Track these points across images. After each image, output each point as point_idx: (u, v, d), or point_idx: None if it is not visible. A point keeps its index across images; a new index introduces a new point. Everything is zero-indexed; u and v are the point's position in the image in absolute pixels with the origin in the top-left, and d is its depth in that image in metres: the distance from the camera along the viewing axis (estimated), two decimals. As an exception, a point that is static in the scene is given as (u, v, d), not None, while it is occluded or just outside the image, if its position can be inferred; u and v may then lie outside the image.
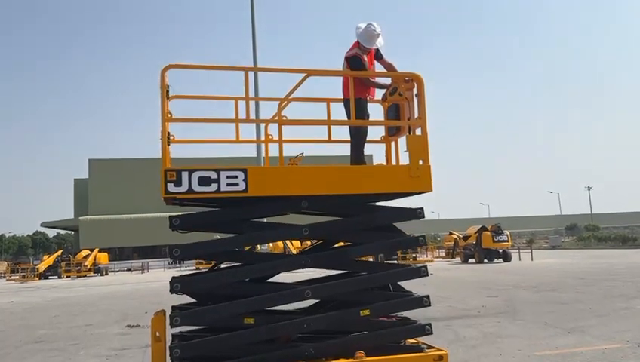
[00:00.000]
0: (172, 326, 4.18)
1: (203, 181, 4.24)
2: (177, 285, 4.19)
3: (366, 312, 4.47)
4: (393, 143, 5.34)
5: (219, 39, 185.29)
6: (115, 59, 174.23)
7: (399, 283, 4.81)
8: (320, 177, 4.57)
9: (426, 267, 4.75)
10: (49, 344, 9.81)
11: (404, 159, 5.04)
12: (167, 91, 4.48)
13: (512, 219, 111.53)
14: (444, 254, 41.88)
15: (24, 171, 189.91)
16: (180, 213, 4.40)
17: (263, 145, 5.75)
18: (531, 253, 36.46)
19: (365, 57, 5.37)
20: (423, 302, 4.63)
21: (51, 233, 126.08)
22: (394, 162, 5.28)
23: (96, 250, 44.26)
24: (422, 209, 4.73)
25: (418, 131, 4.82)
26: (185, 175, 4.21)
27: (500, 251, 32.75)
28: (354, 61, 5.39)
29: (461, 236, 37.11)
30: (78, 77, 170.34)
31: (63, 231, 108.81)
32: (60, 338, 10.35)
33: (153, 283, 25.28)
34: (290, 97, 4.90)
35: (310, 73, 4.74)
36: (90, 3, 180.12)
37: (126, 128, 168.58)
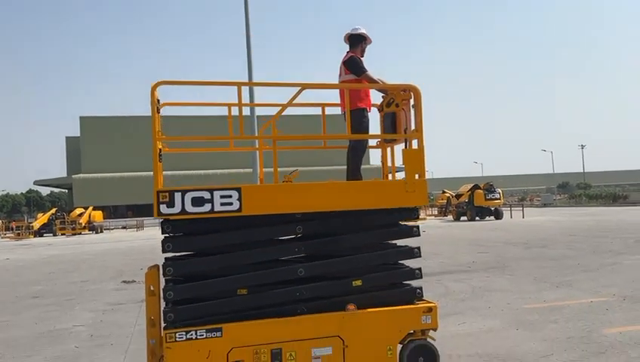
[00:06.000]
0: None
1: (196, 201, 4.19)
2: (170, 269, 4.21)
3: (358, 283, 4.53)
4: (389, 149, 5.37)
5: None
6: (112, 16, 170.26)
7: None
8: (315, 194, 4.53)
9: (419, 248, 4.77)
10: (45, 299, 9.94)
11: (398, 159, 5.09)
12: (158, 108, 4.40)
13: (506, 178, 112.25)
14: (436, 212, 42.31)
15: (16, 129, 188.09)
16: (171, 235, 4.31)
17: (257, 161, 5.70)
18: (523, 210, 36.86)
19: (363, 59, 5.44)
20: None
21: (45, 191, 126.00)
22: (389, 165, 5.36)
23: (91, 208, 44.36)
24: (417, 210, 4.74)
25: (414, 144, 4.80)
26: (178, 196, 4.16)
27: (492, 209, 33.12)
28: (352, 62, 5.37)
29: (454, 194, 37.40)
30: (70, 35, 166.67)
31: (56, 190, 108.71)
32: (56, 294, 10.49)
33: (148, 241, 25.45)
34: (285, 104, 4.80)
35: (305, 86, 4.64)
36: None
37: (118, 85, 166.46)
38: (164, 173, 4.52)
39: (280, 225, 4.46)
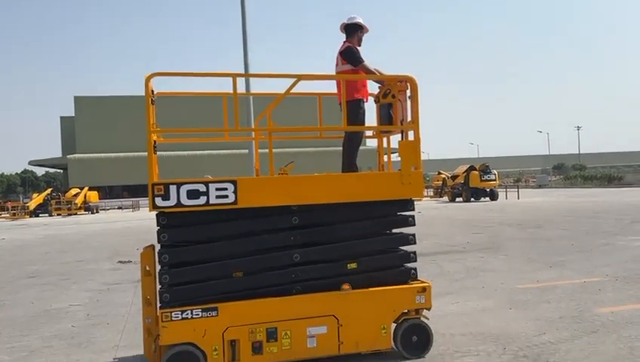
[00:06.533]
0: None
1: (192, 194, 4.18)
2: (165, 256, 4.21)
3: (353, 265, 4.56)
4: (385, 139, 5.37)
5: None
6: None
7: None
8: (311, 186, 4.53)
9: (414, 235, 4.78)
10: (41, 279, 9.97)
11: (395, 150, 5.09)
12: (152, 100, 4.34)
13: (501, 159, 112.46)
14: (432, 193, 42.41)
15: (10, 108, 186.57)
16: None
17: (253, 152, 5.63)
18: (518, 191, 36.97)
19: (360, 49, 5.38)
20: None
21: (40, 171, 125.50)
22: (384, 157, 5.36)
23: (86, 188, 44.26)
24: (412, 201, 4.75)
25: (411, 135, 4.78)
26: (173, 188, 4.15)
27: (487, 190, 33.21)
28: (348, 52, 5.31)
29: (450, 176, 37.45)
30: (64, 10, 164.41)
31: (51, 170, 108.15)
32: (53, 274, 10.51)
33: (144, 221, 25.44)
34: (281, 95, 4.75)
35: (301, 78, 4.61)
36: None
37: (113, 65, 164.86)
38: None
39: (276, 216, 4.46)
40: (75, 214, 40.39)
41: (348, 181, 4.71)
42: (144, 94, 4.23)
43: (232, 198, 4.25)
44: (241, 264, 4.37)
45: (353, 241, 4.61)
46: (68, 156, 67.80)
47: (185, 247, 4.32)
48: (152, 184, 4.14)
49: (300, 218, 4.48)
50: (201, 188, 4.21)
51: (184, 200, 4.17)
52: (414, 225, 4.74)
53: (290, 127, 4.92)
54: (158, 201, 4.14)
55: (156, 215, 4.25)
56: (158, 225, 4.25)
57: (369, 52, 5.49)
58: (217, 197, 4.22)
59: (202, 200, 4.20)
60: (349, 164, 5.34)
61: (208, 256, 4.33)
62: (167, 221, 4.24)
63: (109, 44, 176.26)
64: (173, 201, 4.16)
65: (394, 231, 4.85)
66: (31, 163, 78.33)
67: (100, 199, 48.40)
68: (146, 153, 4.31)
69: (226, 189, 4.25)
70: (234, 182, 4.28)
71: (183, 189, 4.17)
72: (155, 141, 4.41)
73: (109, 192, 64.44)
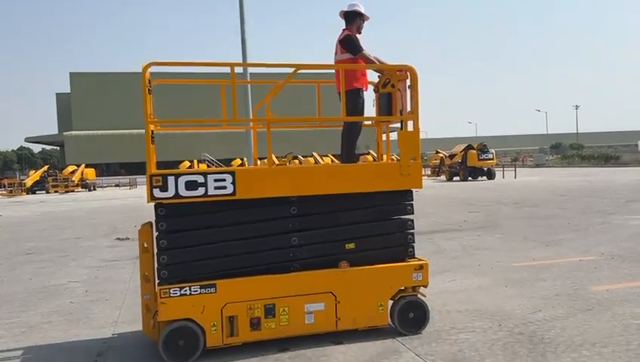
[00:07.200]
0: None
1: (190, 185, 4.15)
2: (164, 241, 4.19)
3: (351, 246, 4.57)
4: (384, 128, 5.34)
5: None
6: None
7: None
8: (310, 177, 4.50)
9: (412, 221, 4.78)
10: (39, 255, 9.99)
11: (395, 146, 5.06)
12: (150, 89, 4.27)
13: (499, 138, 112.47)
14: (429, 173, 42.44)
15: (6, 85, 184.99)
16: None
17: (252, 141, 5.57)
18: (515, 170, 37.04)
19: (359, 36, 5.29)
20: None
21: (36, 148, 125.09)
22: (384, 147, 5.33)
23: (83, 166, 44.13)
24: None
25: (410, 126, 4.74)
26: (171, 180, 4.11)
27: (485, 169, 33.23)
28: (348, 40, 5.21)
29: (447, 155, 37.43)
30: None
31: (48, 147, 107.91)
32: (50, 251, 10.53)
33: (142, 199, 25.39)
34: (280, 84, 4.69)
35: (299, 67, 4.53)
36: None
37: (109, 40, 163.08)
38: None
39: (274, 206, 4.44)
40: (72, 191, 40.34)
41: (347, 172, 4.69)
42: (142, 83, 4.16)
43: (230, 189, 4.23)
44: (239, 247, 4.38)
45: (352, 226, 4.62)
46: (64, 133, 67.57)
47: (182, 233, 4.29)
48: (150, 175, 4.12)
49: (298, 208, 4.47)
50: (200, 179, 4.19)
51: (182, 192, 4.15)
52: (413, 213, 4.76)
53: (289, 117, 4.89)
54: (156, 193, 4.11)
55: (154, 206, 4.22)
56: (156, 216, 4.24)
57: (368, 38, 5.43)
58: (216, 188, 4.20)
59: (200, 191, 4.18)
60: (347, 154, 5.29)
61: (206, 240, 4.32)
62: (165, 212, 4.22)
63: (105, 18, 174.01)
64: (171, 192, 4.13)
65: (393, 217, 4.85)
66: (27, 140, 78.11)
67: (96, 176, 48.31)
68: (143, 130, 4.27)
69: (225, 180, 4.23)
70: (232, 173, 4.27)
71: (182, 180, 4.14)
72: (152, 131, 4.38)
73: (106, 169, 64.39)
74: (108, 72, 69.62)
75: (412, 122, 4.72)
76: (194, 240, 4.29)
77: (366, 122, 5.70)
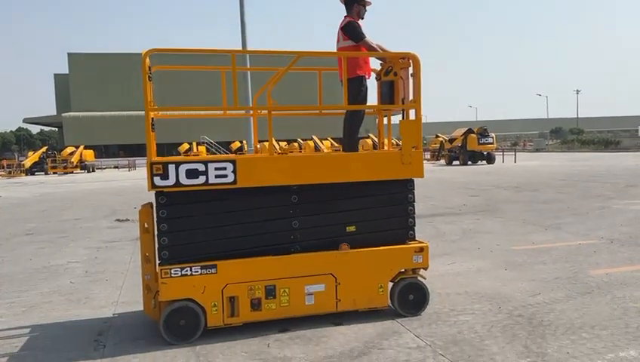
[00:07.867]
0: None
1: (191, 174, 4.13)
2: (164, 225, 4.17)
3: (352, 228, 4.57)
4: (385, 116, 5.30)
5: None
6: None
7: None
8: (311, 166, 4.47)
9: (413, 206, 4.76)
10: (39, 236, 10.00)
11: (395, 129, 5.03)
12: (150, 77, 4.21)
13: (500, 122, 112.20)
14: (429, 156, 42.39)
15: (3, 65, 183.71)
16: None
17: (252, 129, 5.51)
18: (515, 155, 37.02)
19: (361, 23, 5.20)
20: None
21: (35, 129, 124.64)
22: (385, 133, 5.31)
23: (82, 147, 44.07)
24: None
25: (412, 115, 4.69)
26: (172, 168, 4.09)
27: (485, 153, 33.18)
28: (350, 27, 5.11)
29: (447, 138, 37.35)
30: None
31: (46, 128, 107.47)
32: (50, 231, 10.54)
33: (141, 181, 25.42)
34: (281, 71, 4.62)
35: (301, 54, 4.47)
36: None
37: (110, 21, 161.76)
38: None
39: (275, 194, 4.43)
40: (71, 173, 40.33)
41: (349, 161, 4.67)
42: (142, 70, 4.10)
43: (231, 178, 4.22)
44: (240, 230, 4.37)
45: (353, 212, 4.61)
46: (63, 114, 67.18)
47: (183, 218, 4.27)
48: (151, 163, 4.09)
49: (299, 196, 4.46)
50: (200, 167, 4.17)
51: (183, 180, 4.13)
52: (414, 201, 4.74)
53: (290, 105, 4.83)
54: (157, 181, 4.09)
55: (155, 194, 4.20)
56: (157, 204, 4.22)
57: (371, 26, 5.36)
58: (217, 176, 4.19)
59: (201, 179, 4.17)
60: (350, 142, 5.24)
61: (206, 225, 4.31)
62: (166, 200, 4.20)
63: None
64: (172, 181, 4.12)
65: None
66: (25, 121, 77.74)
67: (95, 158, 48.25)
68: (143, 113, 4.23)
69: (225, 169, 4.21)
70: (233, 162, 4.25)
71: (182, 169, 4.13)
72: (152, 118, 4.33)
73: (104, 151, 64.24)
74: (106, 52, 68.98)
75: (414, 111, 4.69)
76: (194, 225, 4.29)
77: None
